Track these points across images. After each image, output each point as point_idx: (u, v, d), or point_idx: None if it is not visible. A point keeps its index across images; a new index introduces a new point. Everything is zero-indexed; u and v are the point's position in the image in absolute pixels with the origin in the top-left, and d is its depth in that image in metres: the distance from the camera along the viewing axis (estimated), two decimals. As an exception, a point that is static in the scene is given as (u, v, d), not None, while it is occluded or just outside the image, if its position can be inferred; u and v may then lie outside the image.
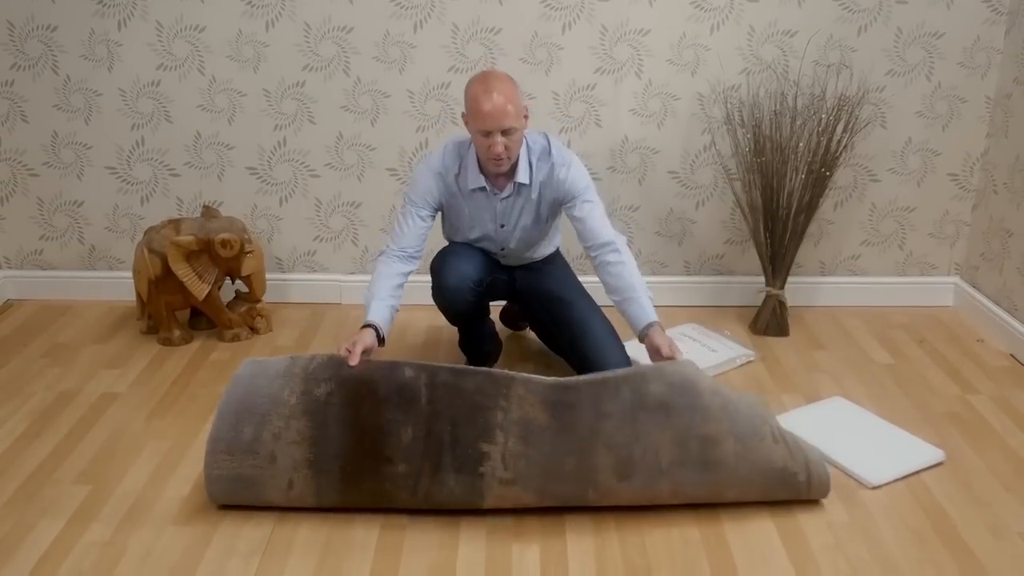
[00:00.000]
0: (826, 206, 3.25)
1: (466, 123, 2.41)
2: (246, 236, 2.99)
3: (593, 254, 2.50)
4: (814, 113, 3.02)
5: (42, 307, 3.34)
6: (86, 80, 3.13)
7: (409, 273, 2.52)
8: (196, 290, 2.94)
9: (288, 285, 3.39)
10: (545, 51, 3.08)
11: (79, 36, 3.07)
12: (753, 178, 3.08)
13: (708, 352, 2.91)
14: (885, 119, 3.18)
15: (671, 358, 2.27)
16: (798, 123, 3.02)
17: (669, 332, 3.03)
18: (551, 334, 2.77)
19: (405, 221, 2.53)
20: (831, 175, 3.03)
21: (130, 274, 3.23)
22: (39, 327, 3.18)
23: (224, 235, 2.92)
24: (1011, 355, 3.00)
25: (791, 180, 3.02)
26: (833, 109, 3.01)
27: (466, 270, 2.58)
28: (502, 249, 2.67)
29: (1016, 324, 3.00)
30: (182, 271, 2.92)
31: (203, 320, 3.15)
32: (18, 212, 3.32)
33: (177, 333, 3.04)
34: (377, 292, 2.42)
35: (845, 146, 3.05)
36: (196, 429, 2.52)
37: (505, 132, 2.33)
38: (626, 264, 2.45)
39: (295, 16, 3.04)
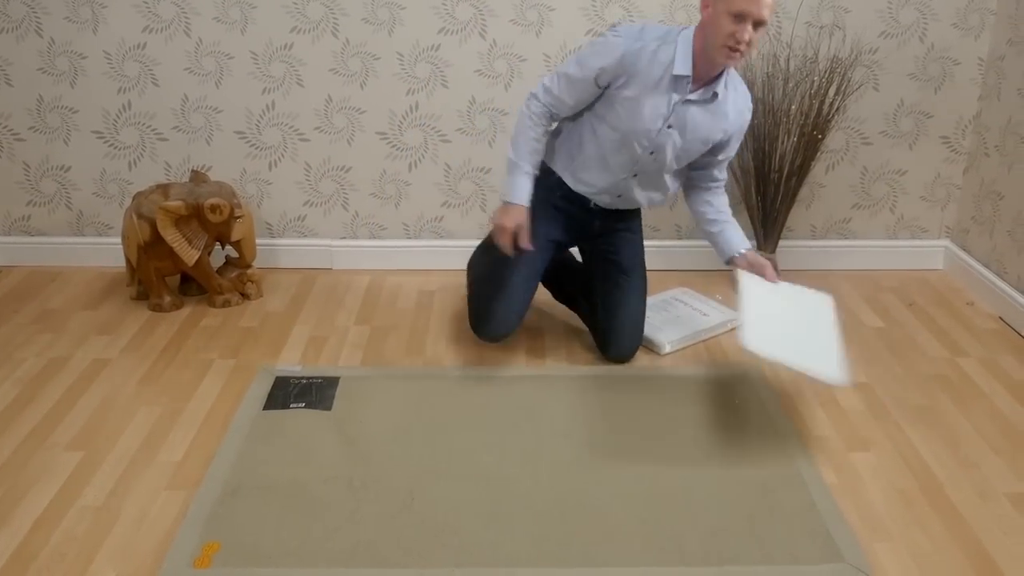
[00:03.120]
0: (818, 169, 3.25)
1: (707, 4, 2.21)
2: (235, 201, 2.97)
3: (703, 184, 2.62)
4: (806, 75, 3.00)
5: (31, 273, 3.32)
6: (71, 43, 3.09)
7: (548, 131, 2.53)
8: (186, 256, 2.93)
9: (278, 250, 3.38)
10: (536, 12, 3.05)
11: (63, -2, 3.03)
12: (745, 141, 3.06)
13: (699, 316, 2.92)
14: (878, 81, 3.17)
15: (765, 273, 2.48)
16: (790, 85, 3.00)
17: (660, 296, 3.06)
18: (589, 288, 2.75)
19: (570, 87, 2.40)
20: (823, 138, 3.03)
21: (119, 240, 3.22)
22: (28, 293, 3.16)
23: (213, 200, 2.90)
24: (1000, 318, 3.01)
25: (783, 143, 3.01)
26: (826, 71, 2.99)
27: (515, 321, 2.59)
28: (651, 154, 2.44)
29: (1005, 287, 3.02)
30: (171, 236, 2.90)
31: (193, 286, 3.13)
32: (4, 178, 3.29)
33: (167, 299, 3.03)
34: (521, 161, 2.48)
35: (837, 109, 3.04)
36: (187, 395, 2.52)
37: (756, 24, 2.15)
38: (726, 202, 2.65)
39: (282, -23, 3.00)
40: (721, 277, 3.32)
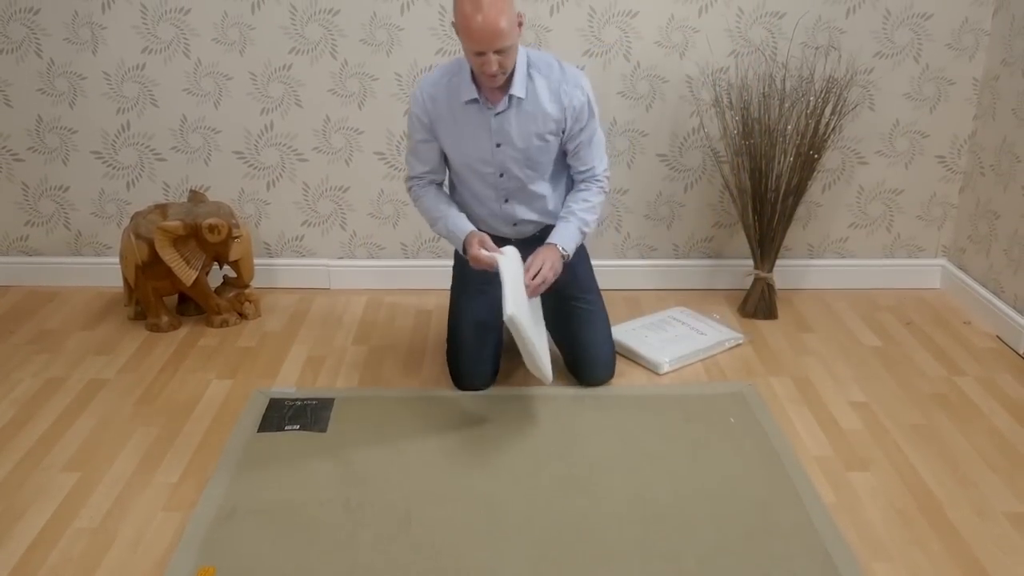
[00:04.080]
0: (814, 189, 3.26)
1: (456, 32, 2.25)
2: (234, 221, 2.98)
3: (577, 177, 2.57)
4: (802, 95, 3.01)
5: (29, 293, 3.33)
6: (70, 63, 3.10)
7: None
8: (184, 276, 2.93)
9: (276, 270, 3.38)
10: (533, 33, 3.07)
11: (62, 18, 3.04)
12: (742, 161, 3.08)
13: (697, 335, 2.92)
14: (873, 101, 3.18)
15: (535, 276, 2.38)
16: (786, 105, 3.02)
17: (658, 315, 3.06)
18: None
19: (416, 157, 2.53)
20: (819, 157, 3.03)
21: (117, 260, 3.22)
22: (26, 314, 3.16)
23: (211, 220, 2.91)
24: (997, 337, 3.01)
25: (779, 163, 3.02)
26: (821, 91, 3.00)
27: (483, 373, 2.64)
28: (501, 176, 2.48)
29: (1002, 306, 3.02)
30: (169, 256, 2.90)
31: (191, 306, 3.14)
32: (3, 198, 3.29)
33: (165, 319, 3.03)
34: (447, 213, 2.51)
35: (833, 128, 3.05)
36: (184, 415, 2.52)
37: (498, 51, 2.21)
38: (591, 203, 2.54)
39: (281, -1, 3.02)
40: (719, 296, 3.32)
